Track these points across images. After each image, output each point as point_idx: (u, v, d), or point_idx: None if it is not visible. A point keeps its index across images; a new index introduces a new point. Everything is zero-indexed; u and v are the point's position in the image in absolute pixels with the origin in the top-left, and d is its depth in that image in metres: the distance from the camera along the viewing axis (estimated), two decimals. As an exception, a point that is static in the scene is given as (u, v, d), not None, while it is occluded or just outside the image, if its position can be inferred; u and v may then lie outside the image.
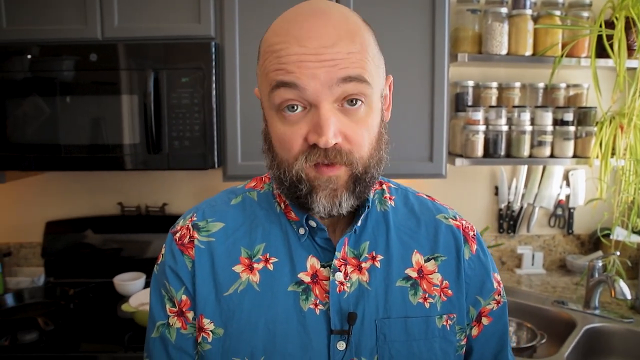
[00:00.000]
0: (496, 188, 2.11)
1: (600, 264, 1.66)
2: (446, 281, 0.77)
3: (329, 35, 0.63)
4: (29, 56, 1.60)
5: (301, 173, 0.67)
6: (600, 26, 1.74)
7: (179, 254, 0.76)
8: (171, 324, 0.76)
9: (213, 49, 1.59)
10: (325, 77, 0.62)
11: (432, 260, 0.78)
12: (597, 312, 1.63)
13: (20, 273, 2.05)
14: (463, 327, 0.78)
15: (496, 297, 0.82)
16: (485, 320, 0.81)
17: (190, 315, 0.75)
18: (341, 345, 0.71)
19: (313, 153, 0.65)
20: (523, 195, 2.10)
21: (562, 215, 2.11)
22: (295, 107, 0.65)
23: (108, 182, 2.06)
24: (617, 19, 1.74)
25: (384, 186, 0.84)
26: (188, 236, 0.77)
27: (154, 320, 0.77)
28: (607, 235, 1.94)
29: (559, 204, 2.10)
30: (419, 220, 0.81)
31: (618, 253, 1.79)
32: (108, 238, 2.00)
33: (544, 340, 1.53)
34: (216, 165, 1.64)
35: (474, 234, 0.82)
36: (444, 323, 0.75)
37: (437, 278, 0.77)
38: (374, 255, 0.76)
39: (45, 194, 2.06)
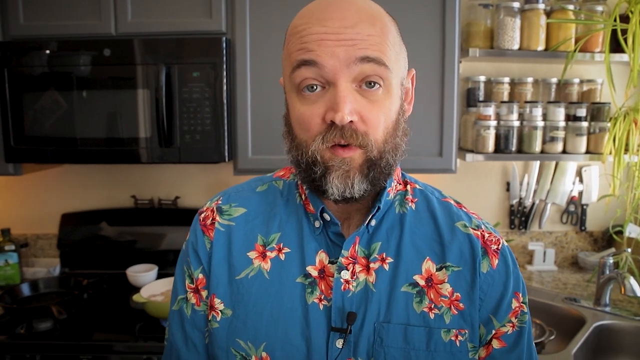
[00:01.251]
0: (508, 184, 2.10)
1: (611, 261, 1.64)
2: (457, 293, 0.73)
3: (351, 17, 0.65)
4: (47, 51, 1.63)
5: (317, 154, 0.67)
6: (615, 20, 1.71)
7: (201, 234, 0.79)
8: (189, 299, 0.79)
9: (224, 44, 1.61)
10: (344, 56, 0.64)
11: (444, 270, 0.74)
12: (607, 309, 1.62)
13: (37, 264, 2.10)
14: (476, 345, 0.73)
15: (512, 319, 0.75)
16: (495, 344, 0.74)
17: (204, 293, 0.77)
18: (339, 343, 0.71)
19: (330, 133, 0.66)
20: (535, 191, 2.08)
21: (575, 211, 2.09)
22: (315, 87, 0.66)
23: (122, 176, 2.09)
24: (632, 12, 1.71)
25: (409, 187, 0.81)
26: (211, 218, 0.80)
27: (176, 293, 0.81)
28: (620, 232, 1.92)
29: (571, 201, 2.08)
30: (438, 226, 0.77)
31: (630, 250, 1.77)
32: (122, 230, 2.03)
33: (552, 337, 1.52)
34: (227, 159, 1.66)
35: (497, 248, 0.77)
36: (452, 338, 0.72)
37: (446, 289, 0.73)
38: (384, 257, 0.74)
39: (61, 186, 2.11)
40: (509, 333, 0.75)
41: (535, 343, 1.50)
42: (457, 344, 0.72)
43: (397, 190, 0.80)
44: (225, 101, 1.63)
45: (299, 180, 0.77)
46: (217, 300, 0.75)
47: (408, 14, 1.63)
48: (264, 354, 0.72)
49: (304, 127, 0.68)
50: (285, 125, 0.73)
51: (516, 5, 1.77)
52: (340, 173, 0.67)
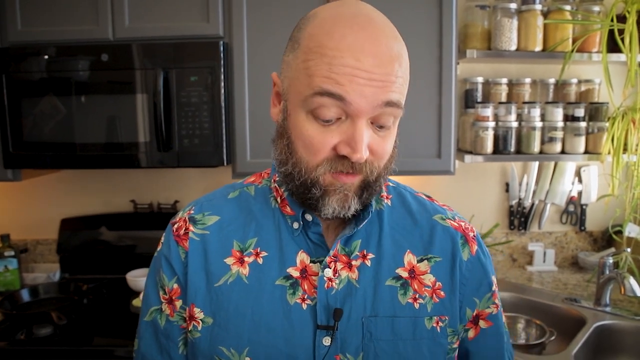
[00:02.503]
0: (507, 185, 2.10)
1: (611, 260, 1.64)
2: (439, 282, 0.77)
3: (383, 55, 0.64)
4: (46, 57, 1.63)
5: (320, 177, 0.68)
6: (612, 20, 1.72)
7: (175, 244, 0.78)
8: (163, 310, 0.78)
9: (222, 48, 1.61)
10: (372, 97, 0.63)
11: (425, 261, 0.77)
12: (607, 309, 1.62)
13: (36, 269, 2.09)
14: (456, 330, 0.77)
15: (495, 300, 0.81)
16: (483, 324, 0.80)
17: (178, 303, 0.77)
18: (327, 341, 0.71)
19: (339, 162, 0.67)
20: (534, 192, 2.08)
21: (574, 211, 2.09)
22: (331, 119, 0.66)
23: (121, 180, 2.09)
24: (628, 12, 1.71)
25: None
26: (184, 228, 0.79)
27: (149, 305, 0.80)
28: (619, 232, 1.92)
29: (570, 201, 2.08)
30: (415, 220, 0.80)
31: (629, 250, 1.77)
32: (122, 235, 2.03)
33: (553, 337, 1.52)
34: (225, 163, 1.66)
35: (474, 235, 0.82)
36: (434, 325, 0.75)
37: (429, 279, 0.76)
38: (365, 253, 0.76)
39: (60, 192, 2.11)
40: (493, 313, 0.81)
41: (535, 344, 1.51)
42: (438, 329, 0.75)
43: None
44: (223, 105, 1.63)
45: (274, 184, 0.79)
46: (196, 310, 0.75)
47: (405, 16, 1.63)
48: (247, 359, 0.72)
49: (311, 151, 0.67)
50: (283, 135, 0.72)
51: (513, 6, 1.77)
52: (340, 197, 0.69)
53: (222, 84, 1.62)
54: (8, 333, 1.56)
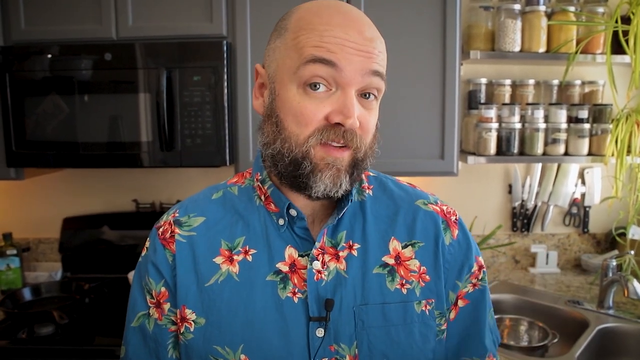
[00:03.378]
0: (510, 186, 2.09)
1: (614, 263, 1.64)
2: (424, 267, 0.78)
3: (368, 32, 0.69)
4: (49, 56, 1.63)
5: (311, 150, 0.69)
6: (616, 22, 1.71)
7: (161, 248, 0.78)
8: (151, 314, 0.78)
9: (225, 48, 1.61)
10: (360, 65, 0.67)
11: (410, 247, 0.79)
12: (610, 312, 1.61)
13: (38, 268, 2.09)
14: (442, 312, 0.79)
15: (472, 280, 0.82)
16: (461, 303, 0.81)
17: (166, 307, 0.77)
18: (320, 332, 0.72)
19: (331, 131, 0.68)
20: (537, 194, 2.08)
21: (578, 213, 2.09)
22: (318, 86, 0.68)
23: (123, 180, 2.09)
24: (633, 14, 1.70)
25: (363, 176, 0.84)
26: (169, 231, 0.79)
27: (135, 310, 0.80)
28: (623, 234, 1.91)
29: (574, 203, 2.08)
30: (398, 206, 0.82)
31: (633, 252, 1.77)
32: (124, 234, 2.03)
33: (555, 340, 1.51)
34: (228, 163, 1.66)
35: (456, 219, 0.83)
36: (423, 308, 0.76)
37: (414, 264, 0.78)
38: (351, 244, 0.77)
39: (62, 191, 2.11)
40: (470, 292, 0.82)
41: (538, 346, 1.50)
42: (427, 312, 0.77)
43: None
44: (226, 105, 1.63)
45: (257, 183, 0.79)
46: (188, 311, 0.75)
47: (409, 17, 1.63)
48: (242, 357, 0.72)
49: (302, 121, 0.68)
50: (269, 116, 0.73)
51: (517, 7, 1.77)
52: (333, 172, 0.70)
53: (225, 83, 1.62)
54: (10, 332, 1.56)
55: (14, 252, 1.90)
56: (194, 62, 1.61)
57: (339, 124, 0.68)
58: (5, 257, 1.89)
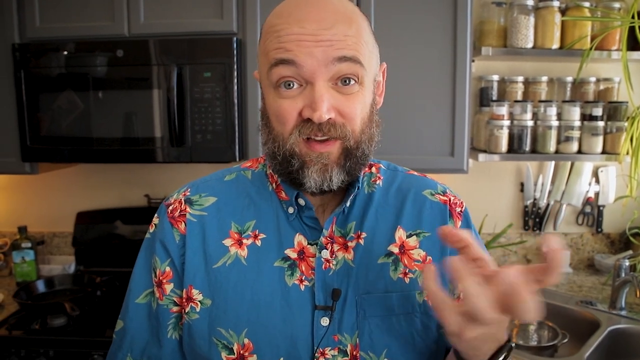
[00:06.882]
0: (522, 184, 2.07)
1: (627, 263, 1.61)
2: (430, 257, 0.78)
3: (328, 19, 0.67)
4: (65, 52, 1.66)
5: (295, 147, 0.70)
6: (633, 17, 1.68)
7: (169, 227, 0.78)
8: (154, 292, 0.78)
9: (235, 44, 1.62)
10: (321, 56, 0.66)
11: (415, 236, 0.79)
12: (623, 312, 1.59)
13: (53, 261, 2.13)
14: None
15: None
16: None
17: (168, 287, 0.77)
18: (325, 321, 0.72)
19: (307, 127, 0.68)
20: (550, 192, 2.05)
21: (591, 213, 2.06)
22: (292, 85, 0.68)
23: (135, 175, 2.12)
24: (650, 10, 1.67)
25: (374, 168, 0.85)
26: (179, 210, 0.79)
27: (142, 286, 0.79)
28: (637, 234, 1.88)
29: (587, 202, 2.05)
30: (405, 197, 0.81)
31: (647, 252, 1.74)
32: (136, 229, 2.06)
33: (565, 340, 1.50)
34: (238, 159, 1.67)
35: (460, 210, 0.82)
36: (425, 298, 0.75)
37: (418, 254, 0.78)
38: (359, 234, 0.77)
39: (76, 185, 2.14)
40: None
41: (547, 346, 1.48)
42: (429, 303, 0.75)
43: (365, 172, 0.83)
44: (236, 101, 1.64)
45: (269, 170, 0.80)
46: (195, 291, 0.75)
47: (419, 13, 1.62)
48: (246, 340, 0.72)
49: (281, 120, 0.70)
50: (262, 118, 0.75)
51: (530, 3, 1.74)
52: (319, 167, 0.70)
53: (235, 80, 1.63)
54: (24, 322, 1.59)
55: (29, 245, 1.94)
56: (204, 58, 1.62)
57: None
58: (21, 250, 1.93)
